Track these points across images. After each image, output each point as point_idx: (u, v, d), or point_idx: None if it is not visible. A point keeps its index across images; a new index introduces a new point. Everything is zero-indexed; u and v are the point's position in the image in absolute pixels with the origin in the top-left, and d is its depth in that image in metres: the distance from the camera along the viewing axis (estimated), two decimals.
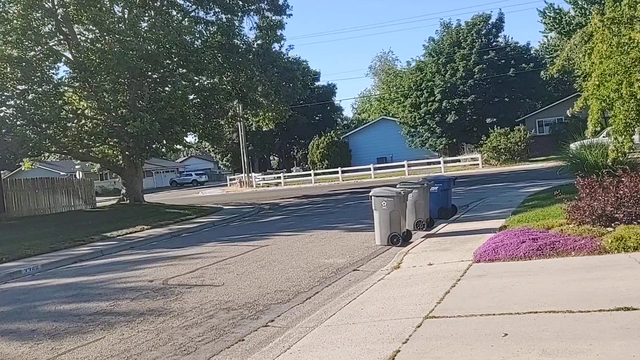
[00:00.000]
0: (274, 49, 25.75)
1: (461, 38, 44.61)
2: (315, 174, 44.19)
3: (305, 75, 29.94)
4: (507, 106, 43.20)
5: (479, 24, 44.62)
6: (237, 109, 27.38)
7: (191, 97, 24.24)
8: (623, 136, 9.27)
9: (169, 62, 22.56)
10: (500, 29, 45.76)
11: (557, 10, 58.41)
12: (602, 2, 49.42)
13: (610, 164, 12.89)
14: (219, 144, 35.78)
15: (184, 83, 21.72)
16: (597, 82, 9.13)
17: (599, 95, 9.58)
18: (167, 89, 22.49)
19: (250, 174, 48.01)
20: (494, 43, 45.15)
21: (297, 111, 46.87)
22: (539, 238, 8.71)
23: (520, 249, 8.34)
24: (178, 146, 26.80)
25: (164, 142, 23.75)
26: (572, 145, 34.11)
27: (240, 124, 44.96)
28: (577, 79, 42.69)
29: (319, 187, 38.93)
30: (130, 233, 17.83)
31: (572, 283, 6.48)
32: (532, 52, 48.13)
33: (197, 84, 24.16)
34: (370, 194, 11.43)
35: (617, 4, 35.58)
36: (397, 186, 13.08)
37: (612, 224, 8.77)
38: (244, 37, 25.49)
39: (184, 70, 22.50)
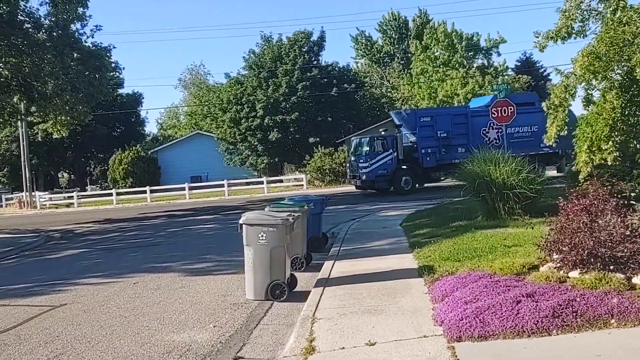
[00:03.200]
0: (74, 30, 19.93)
1: (283, 53, 42.39)
2: (118, 194, 37.99)
3: (117, 68, 24.10)
4: (330, 126, 41.83)
5: (301, 41, 42.86)
6: (20, 106, 20.73)
7: None
8: (608, 143, 6.69)
9: None
10: (321, 47, 44.57)
11: (368, 38, 60.37)
12: (410, 34, 51.12)
13: (522, 184, 10.73)
14: None
15: None
16: (587, 63, 6.45)
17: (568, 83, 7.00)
18: None
19: (33, 193, 39.88)
20: (315, 61, 43.74)
21: (96, 120, 40.13)
22: (535, 294, 5.65)
23: (522, 315, 5.16)
24: None
25: None
26: None
27: (22, 130, 36.88)
28: (396, 102, 43.21)
29: (123, 209, 32.97)
30: None
31: None
32: (351, 73, 47.83)
33: None
34: (240, 221, 7.51)
35: (434, 30, 35.81)
36: (267, 209, 9.42)
37: (612, 266, 6.11)
38: (33, 14, 19.36)
39: None
